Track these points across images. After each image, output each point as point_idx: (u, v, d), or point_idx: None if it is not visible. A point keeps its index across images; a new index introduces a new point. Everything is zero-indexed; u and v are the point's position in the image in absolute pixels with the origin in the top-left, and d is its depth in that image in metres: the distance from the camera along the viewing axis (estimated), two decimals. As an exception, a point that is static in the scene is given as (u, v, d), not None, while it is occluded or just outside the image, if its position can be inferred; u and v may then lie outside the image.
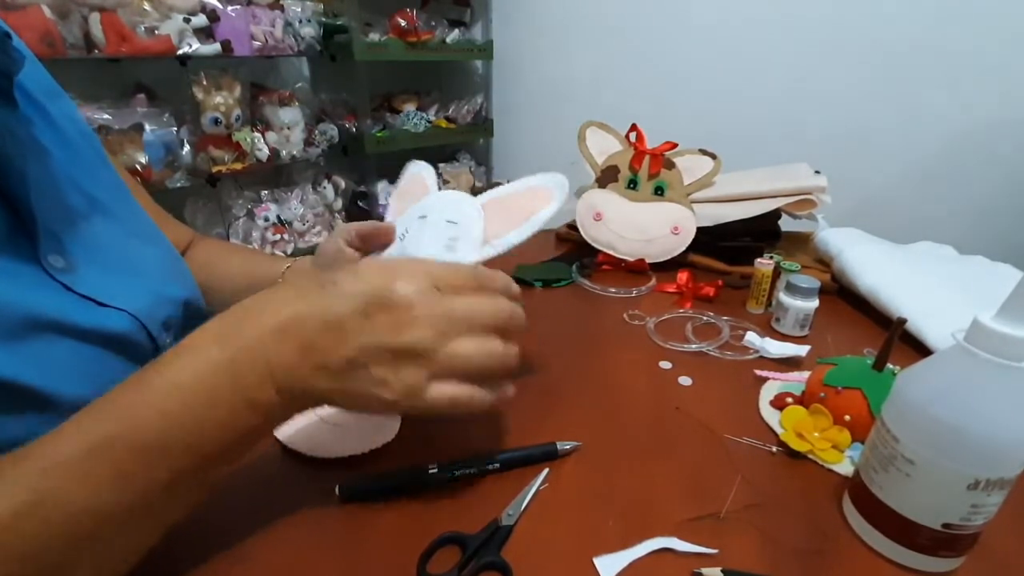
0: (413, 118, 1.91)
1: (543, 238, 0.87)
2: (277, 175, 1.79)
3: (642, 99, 1.73)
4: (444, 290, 0.31)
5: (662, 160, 0.78)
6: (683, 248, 0.75)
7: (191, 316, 0.46)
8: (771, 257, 0.63)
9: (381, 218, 0.51)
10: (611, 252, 0.76)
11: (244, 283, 0.54)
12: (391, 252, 0.46)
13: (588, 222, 0.78)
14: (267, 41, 1.51)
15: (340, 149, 1.82)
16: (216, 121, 1.45)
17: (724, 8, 1.52)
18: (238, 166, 1.53)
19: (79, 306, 0.37)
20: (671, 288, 0.69)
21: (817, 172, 0.75)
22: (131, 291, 0.40)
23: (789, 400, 0.45)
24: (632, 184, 0.79)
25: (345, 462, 0.39)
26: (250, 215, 1.67)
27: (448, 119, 2.03)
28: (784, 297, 0.58)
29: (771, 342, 0.54)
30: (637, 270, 0.75)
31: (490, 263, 0.42)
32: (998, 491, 0.29)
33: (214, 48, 1.40)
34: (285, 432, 0.41)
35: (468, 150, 2.23)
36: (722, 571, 0.31)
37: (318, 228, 1.78)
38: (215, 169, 1.50)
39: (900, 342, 0.49)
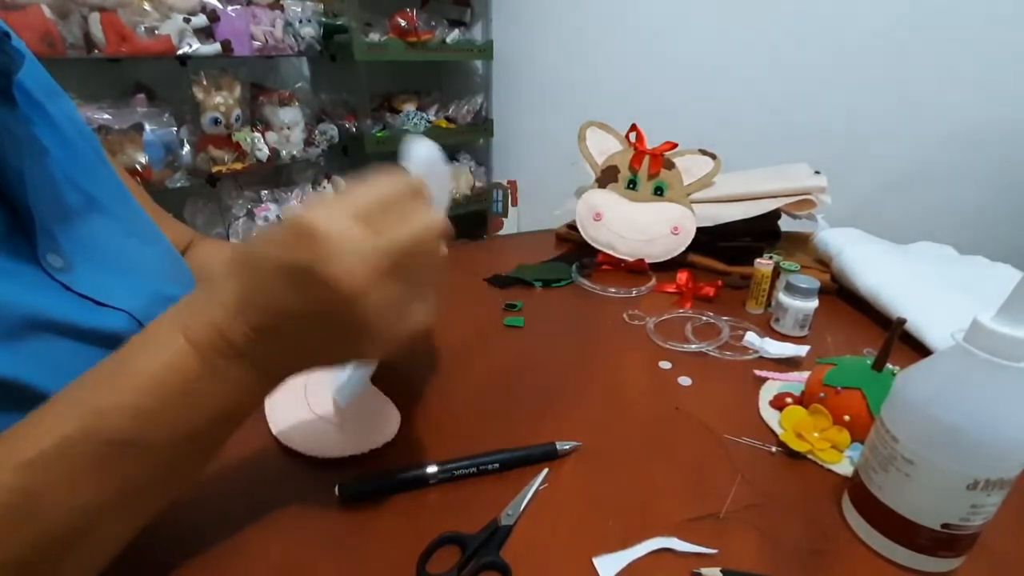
0: (413, 118, 1.91)
1: (543, 238, 0.87)
2: (277, 175, 1.79)
3: (642, 99, 1.73)
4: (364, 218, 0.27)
5: (662, 160, 0.78)
6: (683, 248, 0.75)
7: None
8: (771, 257, 0.63)
9: None
10: (611, 252, 0.76)
11: None
12: None
13: (588, 222, 0.78)
14: (267, 41, 1.51)
15: (340, 149, 1.82)
16: (216, 121, 1.45)
17: (724, 8, 1.52)
18: (238, 166, 1.53)
19: (78, 306, 0.37)
20: (671, 288, 0.69)
21: (817, 172, 0.75)
22: (130, 291, 0.40)
23: (789, 400, 0.45)
24: (632, 184, 0.79)
25: (345, 462, 0.39)
26: (250, 215, 1.67)
27: (448, 119, 2.03)
28: (784, 297, 0.58)
29: (771, 342, 0.54)
30: (637, 270, 0.75)
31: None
32: (997, 491, 0.29)
33: (214, 48, 1.40)
34: (285, 432, 0.41)
35: (468, 150, 2.23)
36: (721, 571, 0.31)
37: (318, 228, 1.77)
38: (215, 169, 1.50)
39: (900, 342, 0.49)
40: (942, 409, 0.29)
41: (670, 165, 0.78)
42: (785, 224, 0.80)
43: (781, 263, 0.62)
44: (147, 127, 1.35)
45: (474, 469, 0.38)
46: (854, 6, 1.34)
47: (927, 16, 1.26)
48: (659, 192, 0.78)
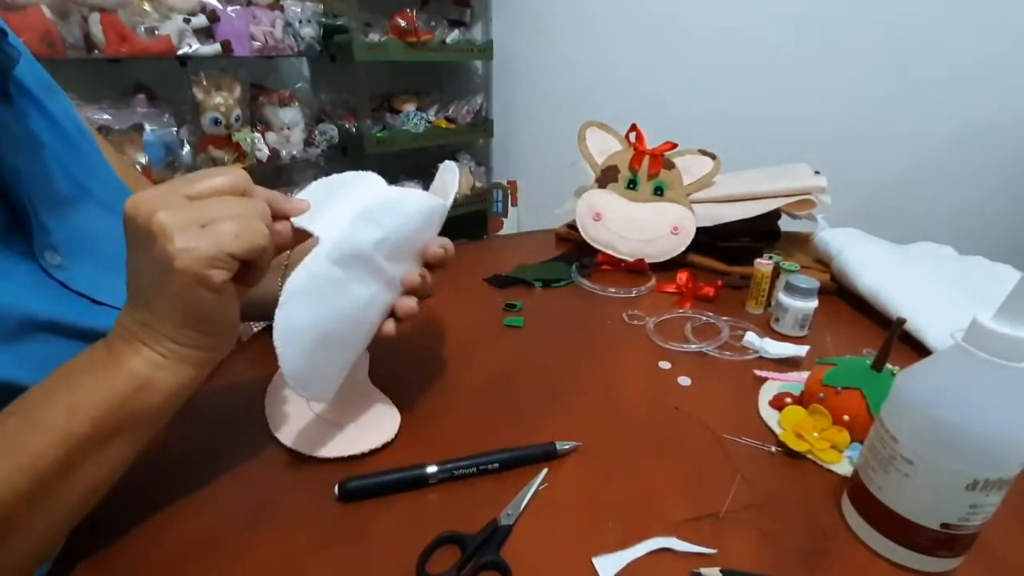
0: (413, 118, 1.91)
1: (543, 238, 0.87)
2: (277, 175, 1.79)
3: (642, 99, 1.73)
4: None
5: (662, 160, 0.78)
6: (683, 248, 0.75)
7: None
8: (770, 257, 0.63)
9: None
10: (611, 252, 0.76)
11: None
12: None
13: (588, 222, 0.78)
14: (267, 41, 1.51)
15: (340, 149, 1.82)
16: (216, 121, 1.45)
17: (724, 8, 1.52)
18: (238, 166, 1.53)
19: (75, 305, 0.37)
20: (671, 288, 0.69)
21: (817, 172, 0.75)
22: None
23: (788, 400, 0.45)
24: (632, 184, 0.79)
25: (345, 462, 0.39)
26: (250, 215, 1.66)
27: (448, 119, 2.03)
28: (783, 297, 0.58)
29: (770, 342, 0.54)
30: (637, 270, 0.75)
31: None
32: (997, 491, 0.29)
33: (214, 48, 1.40)
34: (285, 432, 0.41)
35: (468, 150, 2.23)
36: (721, 571, 0.31)
37: (318, 228, 1.78)
38: (215, 169, 1.50)
39: (899, 342, 0.49)
40: (942, 409, 0.29)
41: (670, 165, 0.78)
42: (785, 224, 0.80)
43: (781, 263, 0.62)
44: (147, 127, 1.35)
45: (474, 469, 0.38)
46: (854, 6, 1.34)
47: (927, 16, 1.26)
48: (659, 192, 0.78)
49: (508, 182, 2.21)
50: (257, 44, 1.50)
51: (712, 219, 0.74)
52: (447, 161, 0.47)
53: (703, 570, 0.31)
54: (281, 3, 1.55)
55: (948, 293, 0.59)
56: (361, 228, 0.35)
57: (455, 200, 0.42)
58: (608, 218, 0.77)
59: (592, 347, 0.56)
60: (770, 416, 0.45)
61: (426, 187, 0.46)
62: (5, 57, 0.36)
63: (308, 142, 1.70)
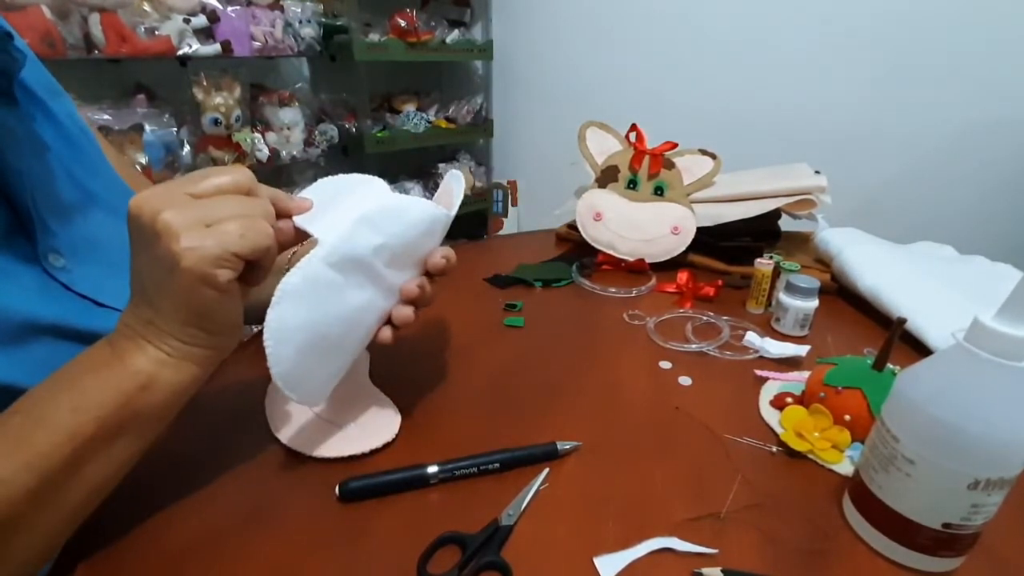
0: (413, 118, 1.90)
1: (543, 238, 0.87)
2: (277, 175, 1.79)
3: (642, 99, 1.73)
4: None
5: (662, 160, 0.78)
6: (683, 248, 0.75)
7: None
8: (771, 257, 0.63)
9: None
10: (611, 252, 0.76)
11: None
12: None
13: (588, 222, 0.78)
14: (267, 41, 1.51)
15: (340, 149, 1.82)
16: (216, 121, 1.45)
17: (724, 8, 1.52)
18: (238, 165, 1.53)
19: (78, 308, 0.37)
20: (671, 288, 0.69)
21: (817, 172, 0.75)
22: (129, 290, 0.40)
23: (789, 400, 0.45)
24: (632, 184, 0.79)
25: (345, 462, 0.39)
26: (250, 215, 1.66)
27: (448, 119, 2.03)
28: (784, 297, 0.58)
29: (771, 342, 0.54)
30: (637, 270, 0.75)
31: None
32: (998, 491, 0.29)
33: (214, 48, 1.40)
34: (285, 432, 0.41)
35: (468, 150, 2.23)
36: (722, 571, 0.31)
37: (318, 228, 1.78)
38: (215, 170, 1.50)
39: (900, 342, 0.49)
40: (942, 409, 0.29)
41: (670, 165, 0.78)
42: (785, 224, 0.80)
43: (781, 263, 0.62)
44: (147, 127, 1.35)
45: (474, 469, 0.38)
46: (854, 6, 1.34)
47: (927, 16, 1.26)
48: (659, 192, 0.78)
49: (508, 182, 2.21)
50: (257, 44, 1.50)
51: (712, 219, 0.74)
52: (453, 170, 0.46)
53: (704, 570, 0.31)
54: (281, 3, 1.55)
55: (948, 293, 0.59)
56: (362, 233, 0.35)
57: None
58: (608, 218, 0.77)
59: (592, 347, 0.56)
60: (771, 416, 0.45)
61: (427, 187, 0.46)
62: (10, 60, 0.36)
63: (308, 142, 1.70)
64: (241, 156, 1.53)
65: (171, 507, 0.35)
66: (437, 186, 0.51)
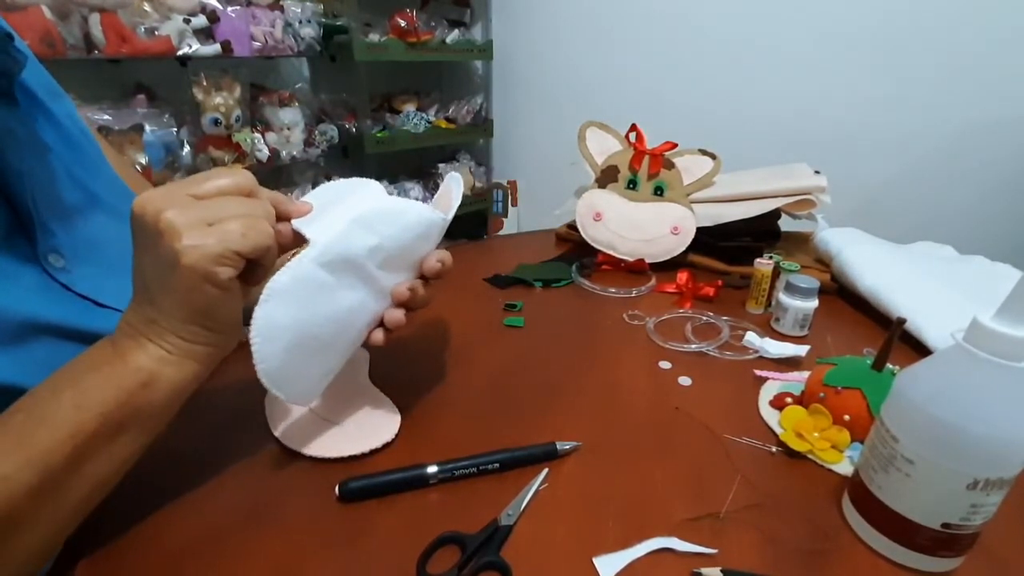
0: (413, 118, 1.90)
1: (543, 238, 0.87)
2: (277, 175, 1.78)
3: (642, 99, 1.73)
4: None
5: (662, 160, 0.78)
6: (683, 248, 0.75)
7: None
8: (771, 257, 0.63)
9: None
10: (611, 252, 0.76)
11: None
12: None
13: (588, 222, 0.78)
14: (267, 42, 1.51)
15: (340, 149, 1.82)
16: (216, 122, 1.45)
17: (724, 8, 1.52)
18: (238, 167, 1.53)
19: (78, 308, 0.37)
20: (671, 288, 0.69)
21: (817, 172, 0.75)
22: (129, 291, 0.40)
23: (789, 400, 0.45)
24: (632, 184, 0.79)
25: (345, 462, 0.39)
26: (250, 215, 1.66)
27: (448, 119, 2.03)
28: (784, 297, 0.58)
29: (771, 342, 0.54)
30: (637, 270, 0.75)
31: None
32: (997, 491, 0.29)
33: (214, 49, 1.40)
34: (285, 432, 0.41)
35: (468, 150, 2.23)
36: (722, 571, 0.31)
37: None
38: (215, 170, 1.50)
39: (900, 342, 0.49)
40: (942, 409, 0.29)
41: (670, 165, 0.78)
42: (785, 224, 0.80)
43: (781, 263, 0.62)
44: (147, 128, 1.35)
45: (474, 469, 0.38)
46: (854, 6, 1.34)
47: (927, 16, 1.26)
48: (659, 192, 0.78)
49: (508, 182, 2.22)
50: (257, 44, 1.50)
51: (712, 219, 0.74)
52: (452, 172, 0.46)
53: (704, 570, 0.31)
54: (281, 3, 1.55)
55: (948, 293, 0.59)
56: (356, 234, 0.35)
57: None
58: (608, 218, 0.77)
59: (592, 347, 0.56)
60: (770, 416, 0.45)
61: (427, 187, 0.47)
62: (11, 61, 0.36)
63: (308, 142, 1.70)
64: (241, 156, 1.53)
65: (171, 505, 0.35)
66: (437, 186, 0.52)
